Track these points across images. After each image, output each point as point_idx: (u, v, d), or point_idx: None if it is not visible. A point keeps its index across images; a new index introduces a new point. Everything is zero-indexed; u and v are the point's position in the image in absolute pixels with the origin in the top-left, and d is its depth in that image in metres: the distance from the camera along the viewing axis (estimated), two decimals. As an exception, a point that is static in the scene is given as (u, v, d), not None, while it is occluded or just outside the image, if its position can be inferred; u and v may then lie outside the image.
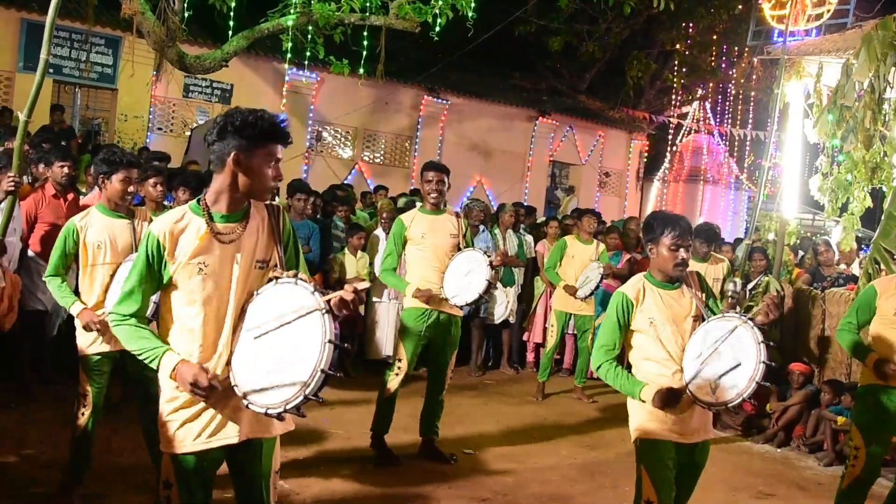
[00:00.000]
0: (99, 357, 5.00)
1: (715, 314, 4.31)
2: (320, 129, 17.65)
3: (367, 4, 12.97)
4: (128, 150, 5.32)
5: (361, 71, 13.96)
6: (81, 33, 14.35)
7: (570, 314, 9.56)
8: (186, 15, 12.12)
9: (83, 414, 5.02)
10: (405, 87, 18.49)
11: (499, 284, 10.57)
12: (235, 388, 3.19)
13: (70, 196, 7.33)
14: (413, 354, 6.65)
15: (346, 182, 16.30)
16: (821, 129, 8.90)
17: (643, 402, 4.23)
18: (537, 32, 20.49)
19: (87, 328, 4.93)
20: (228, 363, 3.25)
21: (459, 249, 6.65)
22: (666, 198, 23.57)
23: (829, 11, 10.20)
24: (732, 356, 4.09)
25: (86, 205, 7.30)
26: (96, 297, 5.01)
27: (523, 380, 10.43)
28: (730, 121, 23.59)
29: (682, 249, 4.29)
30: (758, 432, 8.70)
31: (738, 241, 12.24)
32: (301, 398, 2.99)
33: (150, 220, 5.05)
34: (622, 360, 4.45)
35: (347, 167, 17.99)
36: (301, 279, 3.18)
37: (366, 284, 3.18)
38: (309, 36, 13.22)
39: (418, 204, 7.27)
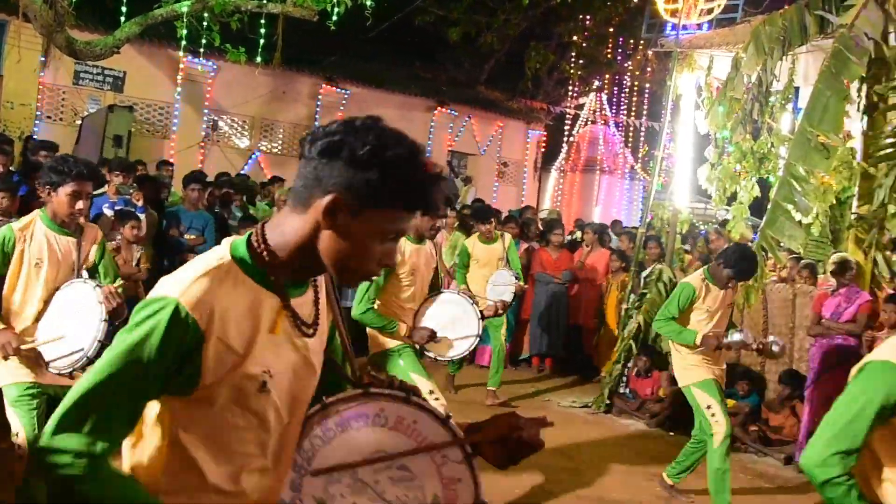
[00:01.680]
0: (24, 389, 4.25)
1: None
2: (216, 119, 17.32)
3: (265, -9, 12.80)
4: (83, 159, 4.59)
5: (259, 59, 13.75)
6: (-38, 17, 13.79)
7: None
8: (76, -2, 11.76)
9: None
10: (303, 76, 18.26)
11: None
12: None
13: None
14: None
15: (242, 172, 16.05)
16: (711, 120, 9.13)
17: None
18: (437, 22, 20.52)
19: (2, 350, 4.17)
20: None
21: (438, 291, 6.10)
22: (563, 188, 23.87)
23: (719, 6, 10.46)
24: None
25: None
26: (25, 320, 4.32)
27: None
28: (625, 112, 24.00)
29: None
30: (651, 417, 8.90)
31: (635, 229, 12.43)
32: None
33: (100, 242, 4.62)
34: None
35: (244, 157, 17.71)
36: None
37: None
38: (205, 23, 12.96)
39: None
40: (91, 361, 3.84)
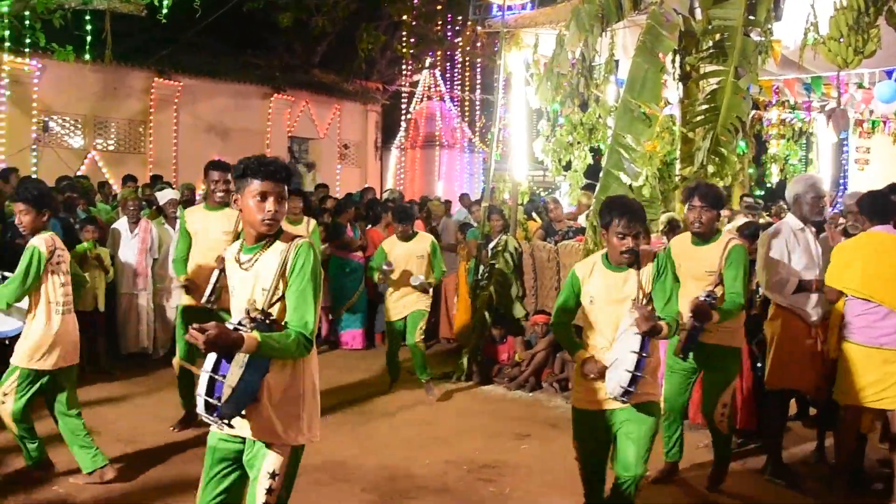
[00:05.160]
0: None
1: (660, 301, 4.63)
2: (47, 120, 16.78)
3: (89, -13, 12.54)
4: None
5: (87, 56, 13.46)
6: None
7: None
8: None
9: None
10: (134, 71, 17.86)
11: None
12: None
13: None
14: None
15: (80, 173, 15.69)
16: (541, 95, 9.59)
17: (575, 361, 4.86)
18: (266, 8, 20.42)
19: None
20: None
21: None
22: (404, 165, 24.24)
23: (541, -14, 10.93)
24: (622, 355, 4.49)
25: None
26: None
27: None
28: (459, 87, 24.54)
29: (629, 238, 4.56)
30: (510, 380, 9.38)
31: (478, 202, 12.85)
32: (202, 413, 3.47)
33: None
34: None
35: (80, 157, 17.24)
36: (250, 315, 3.56)
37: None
38: (27, 22, 12.60)
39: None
40: None
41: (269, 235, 3.68)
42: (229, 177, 6.58)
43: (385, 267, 8.49)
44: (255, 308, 3.57)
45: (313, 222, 9.88)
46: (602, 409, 4.75)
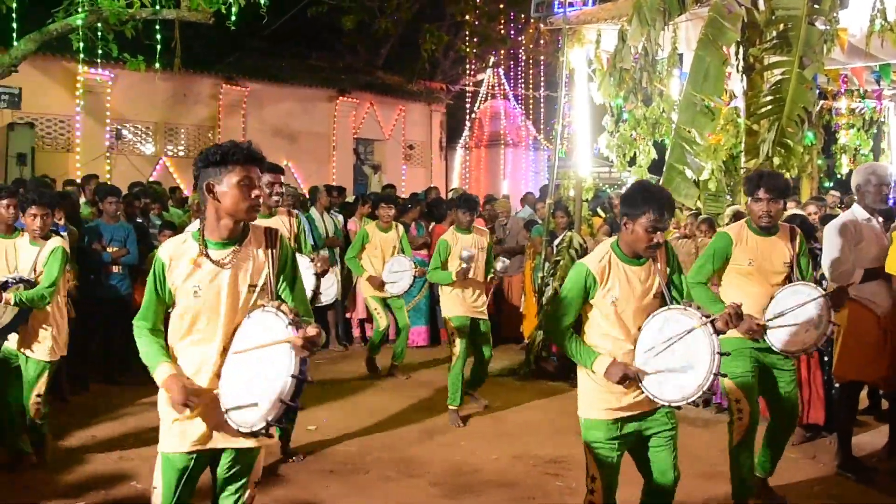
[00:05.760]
0: None
1: (677, 293, 4.32)
2: (119, 127, 17.19)
3: (158, -2, 12.83)
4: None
5: (157, 65, 13.77)
6: None
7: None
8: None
9: None
10: (202, 78, 18.24)
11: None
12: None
13: None
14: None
15: (152, 179, 16.08)
16: (604, 90, 9.60)
17: (594, 371, 4.28)
18: (330, 12, 20.66)
19: None
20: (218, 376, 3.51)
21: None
22: (469, 164, 24.27)
23: (602, -17, 10.93)
24: (685, 357, 3.99)
25: None
26: None
27: (353, 356, 10.75)
28: (523, 85, 24.50)
29: (658, 233, 4.08)
30: (575, 376, 9.35)
31: (542, 199, 12.86)
32: (262, 424, 3.27)
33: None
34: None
35: (151, 163, 17.65)
36: (282, 310, 3.34)
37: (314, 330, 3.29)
38: (99, 33, 12.93)
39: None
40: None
41: (243, 227, 3.61)
42: (282, 179, 6.19)
43: (465, 253, 7.82)
44: (288, 306, 3.44)
45: (402, 228, 10.01)
46: (634, 414, 4.37)
